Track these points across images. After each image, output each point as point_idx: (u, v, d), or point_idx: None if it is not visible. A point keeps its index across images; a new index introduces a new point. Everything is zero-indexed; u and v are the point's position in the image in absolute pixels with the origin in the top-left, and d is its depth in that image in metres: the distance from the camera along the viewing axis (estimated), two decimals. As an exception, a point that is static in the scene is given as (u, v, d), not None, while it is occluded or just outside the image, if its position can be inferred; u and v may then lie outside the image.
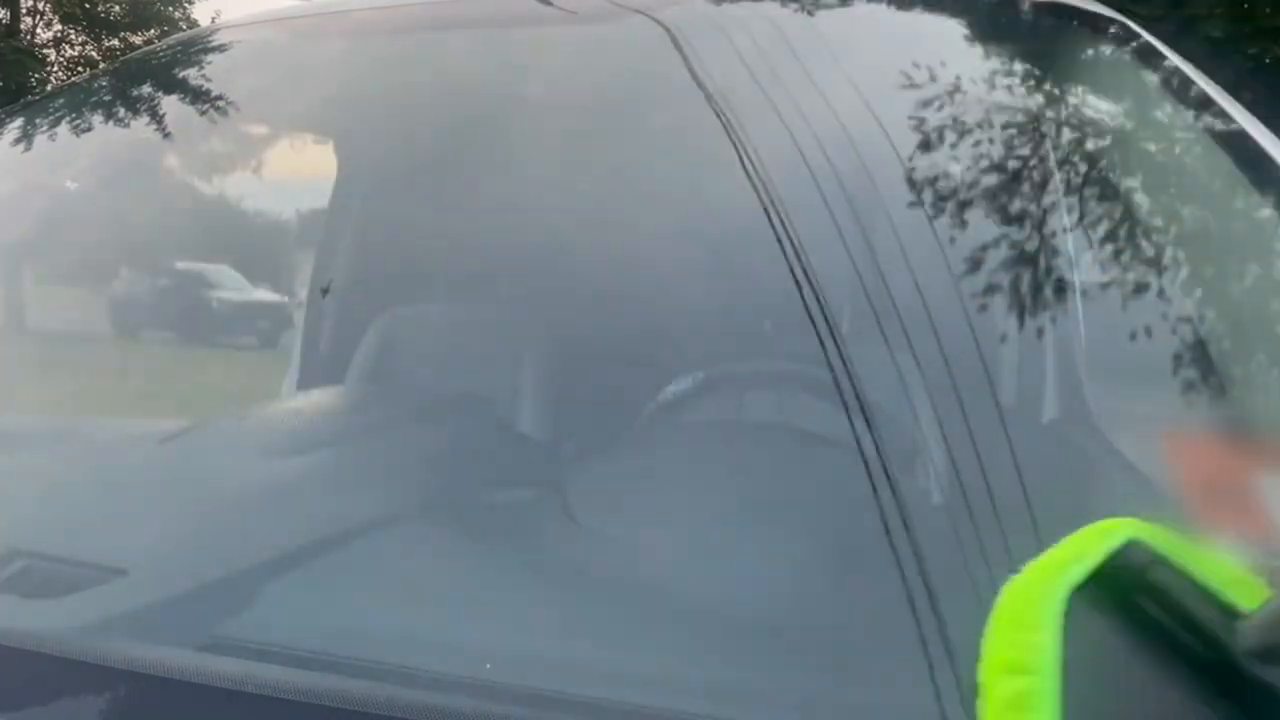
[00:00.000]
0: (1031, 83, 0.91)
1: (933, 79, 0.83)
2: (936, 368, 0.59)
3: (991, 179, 0.77)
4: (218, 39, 1.25)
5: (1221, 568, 0.38)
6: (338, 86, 1.11)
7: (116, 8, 22.19)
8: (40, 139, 1.07)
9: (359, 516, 0.66)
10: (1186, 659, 0.35)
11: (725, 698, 0.50)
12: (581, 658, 0.54)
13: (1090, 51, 0.98)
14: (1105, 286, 0.69)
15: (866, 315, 0.64)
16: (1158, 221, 0.78)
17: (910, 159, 0.76)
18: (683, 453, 0.80)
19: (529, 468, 0.80)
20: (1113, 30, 0.97)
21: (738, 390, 0.86)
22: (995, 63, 0.93)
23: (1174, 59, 0.92)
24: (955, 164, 0.77)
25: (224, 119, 1.08)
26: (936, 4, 1.09)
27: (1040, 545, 0.50)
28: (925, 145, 0.78)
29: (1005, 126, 0.81)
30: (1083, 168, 0.80)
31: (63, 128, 1.12)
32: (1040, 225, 0.72)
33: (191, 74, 1.15)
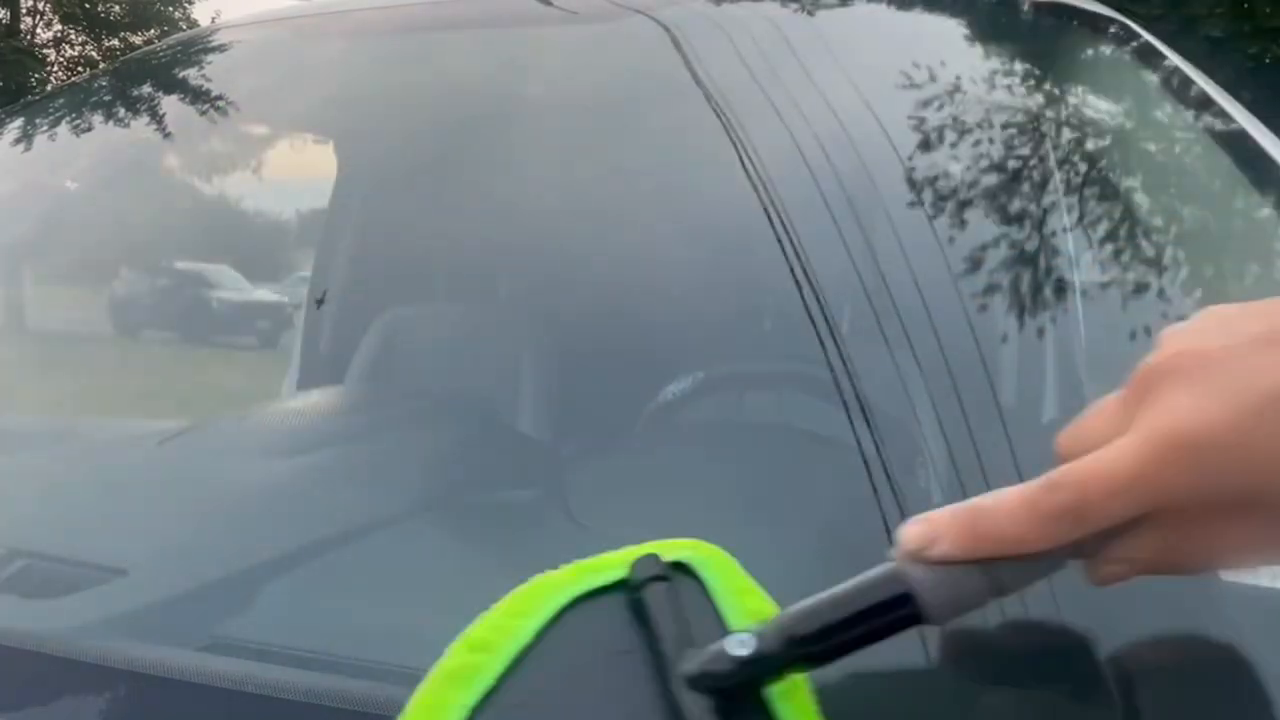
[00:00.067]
0: (1031, 83, 0.91)
1: (933, 79, 0.83)
2: (936, 368, 0.59)
3: (991, 179, 0.77)
4: (218, 39, 1.25)
5: (755, 601, 0.38)
6: (338, 86, 1.11)
7: (116, 8, 22.19)
8: (40, 139, 1.08)
9: (359, 516, 0.66)
10: (652, 676, 0.34)
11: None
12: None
13: (1090, 51, 0.98)
14: (1105, 286, 0.69)
15: (866, 315, 0.64)
16: (1158, 221, 0.78)
17: (910, 159, 0.76)
18: (683, 453, 0.80)
19: (529, 468, 0.80)
20: (1113, 30, 0.97)
21: (738, 390, 0.86)
22: (995, 63, 0.93)
23: (1174, 59, 0.92)
24: (955, 164, 0.77)
25: (224, 119, 1.08)
26: (936, 4, 1.09)
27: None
28: (925, 145, 0.78)
29: (1005, 126, 0.81)
30: (1083, 168, 0.80)
31: (63, 128, 1.12)
32: (1040, 225, 0.72)
33: (191, 74, 1.16)
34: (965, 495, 0.54)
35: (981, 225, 0.72)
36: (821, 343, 0.63)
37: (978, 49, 0.98)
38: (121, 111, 1.13)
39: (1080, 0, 1.02)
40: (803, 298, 0.66)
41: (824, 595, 0.35)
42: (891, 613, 0.35)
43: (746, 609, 0.37)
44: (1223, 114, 0.83)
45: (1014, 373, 0.69)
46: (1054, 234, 0.71)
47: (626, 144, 0.94)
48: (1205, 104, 0.85)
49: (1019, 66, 0.93)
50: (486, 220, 0.94)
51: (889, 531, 0.53)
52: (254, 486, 0.73)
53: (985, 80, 0.87)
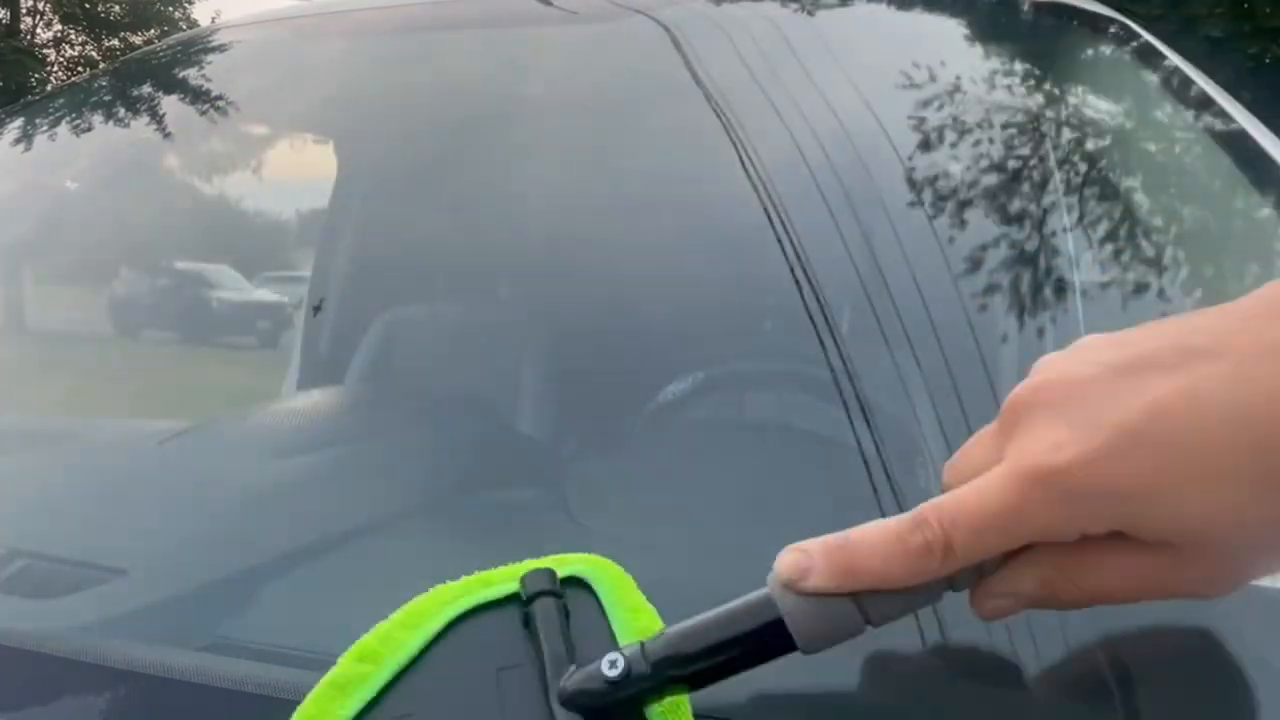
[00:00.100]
0: (1031, 83, 0.91)
1: (933, 79, 0.83)
2: (936, 368, 0.59)
3: (991, 179, 0.77)
4: (218, 39, 1.25)
5: (646, 619, 0.38)
6: (338, 86, 1.11)
7: (116, 8, 22.19)
8: (40, 139, 1.08)
9: (359, 516, 0.66)
10: (535, 693, 0.34)
11: (726, 697, 0.50)
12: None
13: (1090, 51, 0.98)
14: (1105, 286, 0.69)
15: (866, 315, 0.64)
16: (1158, 221, 0.78)
17: (910, 158, 0.76)
18: (683, 452, 0.80)
19: (529, 468, 0.80)
20: (1113, 30, 0.97)
21: (738, 390, 0.86)
22: (995, 63, 0.93)
23: (1174, 59, 0.92)
24: (955, 164, 0.77)
25: (224, 119, 1.08)
26: (936, 4, 1.09)
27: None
28: (925, 145, 0.78)
29: (1005, 126, 0.81)
30: (1083, 168, 0.80)
31: (63, 128, 1.12)
32: (1040, 225, 0.72)
33: (191, 74, 1.16)
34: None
35: (981, 225, 0.72)
36: (821, 343, 0.63)
37: (978, 49, 0.98)
38: (121, 111, 1.13)
39: (1080, 0, 1.02)
40: (803, 298, 0.66)
41: (700, 618, 0.35)
42: (763, 640, 0.35)
43: (638, 627, 0.37)
44: (1223, 114, 0.83)
45: (1014, 373, 0.69)
46: (1054, 234, 0.71)
47: (626, 144, 0.94)
48: (1205, 104, 0.85)
49: (1019, 66, 0.93)
50: (487, 220, 0.94)
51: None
52: (254, 486, 0.73)
53: (985, 80, 0.87)
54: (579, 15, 1.05)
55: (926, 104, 0.80)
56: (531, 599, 0.37)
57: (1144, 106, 0.91)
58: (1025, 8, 1.08)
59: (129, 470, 0.80)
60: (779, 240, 0.69)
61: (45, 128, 1.10)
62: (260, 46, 1.22)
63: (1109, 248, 0.72)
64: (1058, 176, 0.77)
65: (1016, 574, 0.35)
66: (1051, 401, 0.34)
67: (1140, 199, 0.79)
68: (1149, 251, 0.73)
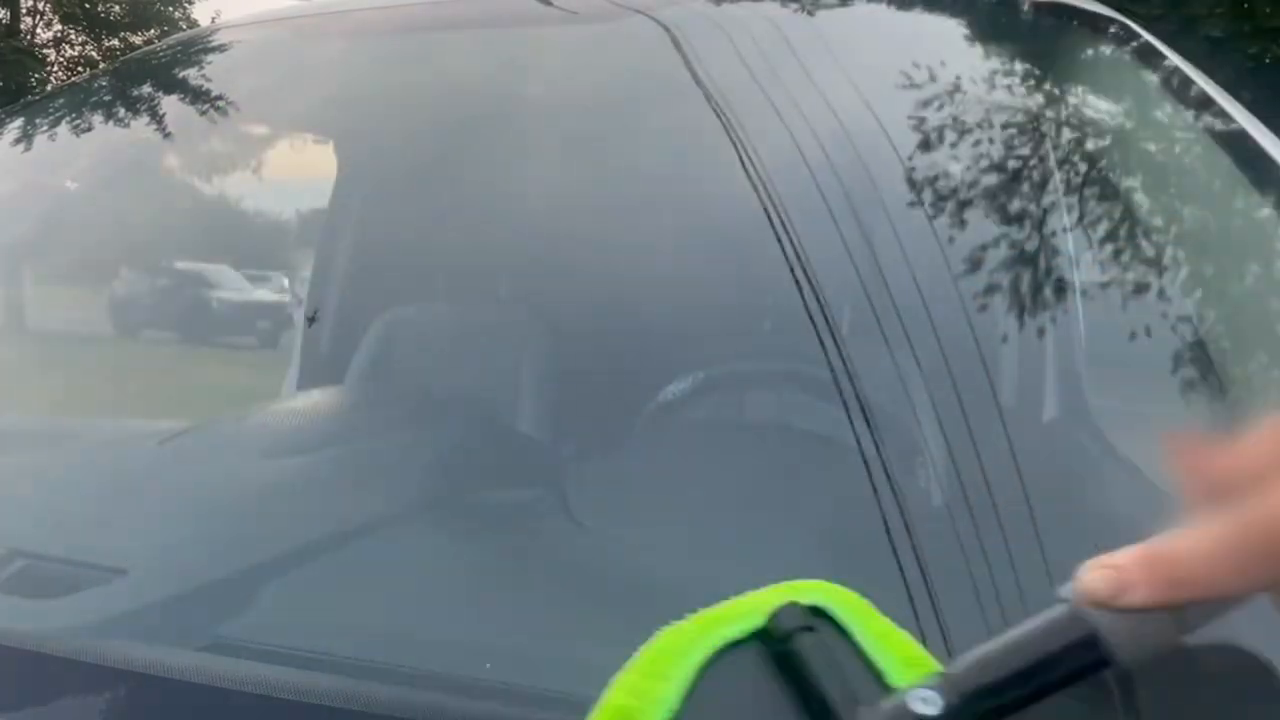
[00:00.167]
0: (1031, 83, 0.91)
1: (933, 79, 0.83)
2: (936, 368, 0.59)
3: (991, 179, 0.77)
4: (218, 39, 1.25)
5: (903, 647, 0.36)
6: (338, 86, 1.11)
7: (116, 8, 22.19)
8: (40, 139, 1.07)
9: (359, 516, 0.66)
10: None
11: None
12: (582, 657, 0.54)
13: (1090, 51, 0.98)
14: (1105, 286, 0.69)
15: (866, 315, 0.64)
16: (1158, 221, 0.78)
17: (910, 158, 0.76)
18: (683, 452, 0.80)
19: (529, 468, 0.80)
20: (1113, 30, 0.97)
21: (738, 390, 0.86)
22: (995, 63, 0.93)
23: (1174, 59, 0.92)
24: (955, 164, 0.77)
25: (224, 119, 1.08)
26: (936, 4, 1.09)
27: (1040, 545, 0.51)
28: (925, 145, 0.78)
29: (1005, 126, 0.81)
30: (1083, 168, 0.80)
31: (63, 128, 1.12)
32: (1040, 225, 0.72)
33: (191, 74, 1.15)
34: (965, 495, 0.55)
35: (981, 225, 0.72)
36: (821, 343, 0.63)
37: (978, 49, 0.98)
38: (121, 111, 1.13)
39: (1080, 0, 1.02)
40: (803, 298, 0.66)
41: (995, 644, 0.34)
42: (1078, 657, 0.33)
43: (900, 657, 0.36)
44: (1223, 114, 0.83)
45: (1014, 373, 0.69)
46: (1054, 234, 0.71)
47: (626, 144, 0.94)
48: (1205, 104, 0.85)
49: (1019, 66, 0.93)
50: (486, 220, 0.94)
51: (889, 531, 0.53)
52: (254, 486, 0.73)
53: (985, 80, 0.87)
54: (579, 15, 1.05)
55: (926, 104, 0.80)
56: (789, 636, 0.36)
57: (1144, 106, 0.91)
58: (1025, 8, 1.08)
59: (129, 470, 0.80)
60: (779, 240, 0.69)
61: (45, 128, 1.10)
62: (260, 46, 1.22)
63: (1109, 248, 0.72)
64: (1058, 176, 0.77)
65: None
66: None
67: (1140, 199, 0.79)
68: (1149, 251, 0.73)
